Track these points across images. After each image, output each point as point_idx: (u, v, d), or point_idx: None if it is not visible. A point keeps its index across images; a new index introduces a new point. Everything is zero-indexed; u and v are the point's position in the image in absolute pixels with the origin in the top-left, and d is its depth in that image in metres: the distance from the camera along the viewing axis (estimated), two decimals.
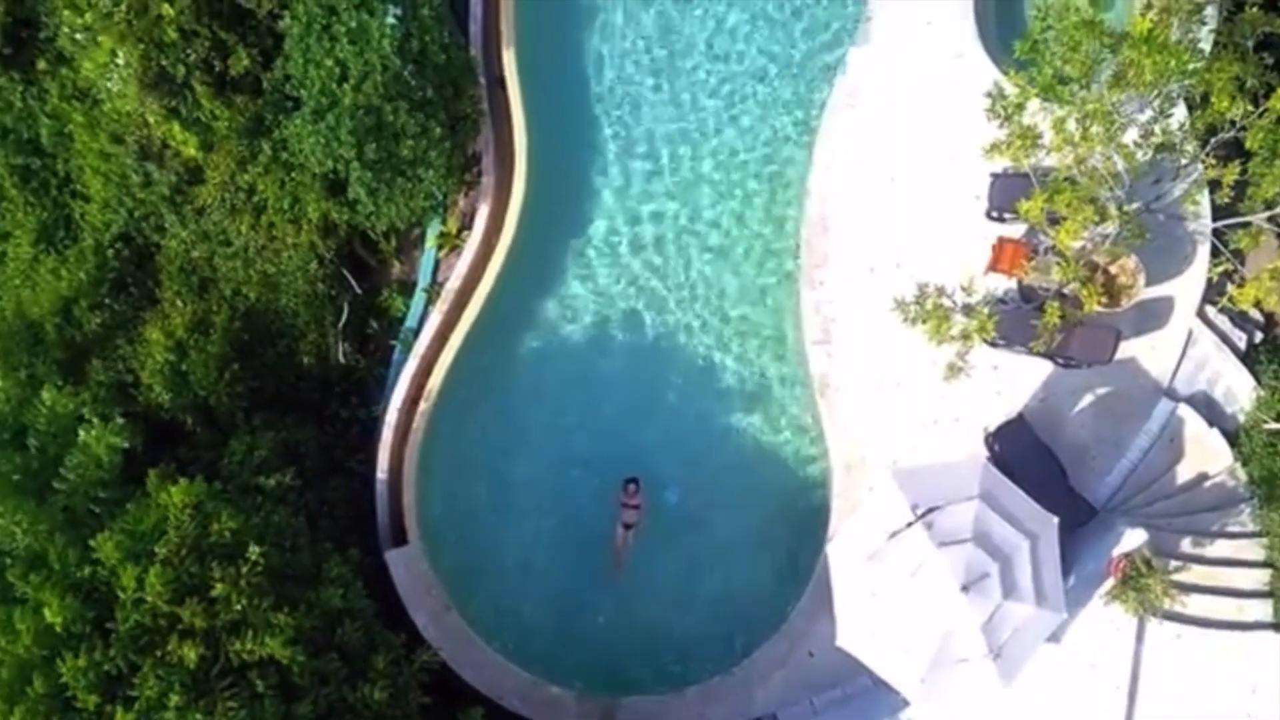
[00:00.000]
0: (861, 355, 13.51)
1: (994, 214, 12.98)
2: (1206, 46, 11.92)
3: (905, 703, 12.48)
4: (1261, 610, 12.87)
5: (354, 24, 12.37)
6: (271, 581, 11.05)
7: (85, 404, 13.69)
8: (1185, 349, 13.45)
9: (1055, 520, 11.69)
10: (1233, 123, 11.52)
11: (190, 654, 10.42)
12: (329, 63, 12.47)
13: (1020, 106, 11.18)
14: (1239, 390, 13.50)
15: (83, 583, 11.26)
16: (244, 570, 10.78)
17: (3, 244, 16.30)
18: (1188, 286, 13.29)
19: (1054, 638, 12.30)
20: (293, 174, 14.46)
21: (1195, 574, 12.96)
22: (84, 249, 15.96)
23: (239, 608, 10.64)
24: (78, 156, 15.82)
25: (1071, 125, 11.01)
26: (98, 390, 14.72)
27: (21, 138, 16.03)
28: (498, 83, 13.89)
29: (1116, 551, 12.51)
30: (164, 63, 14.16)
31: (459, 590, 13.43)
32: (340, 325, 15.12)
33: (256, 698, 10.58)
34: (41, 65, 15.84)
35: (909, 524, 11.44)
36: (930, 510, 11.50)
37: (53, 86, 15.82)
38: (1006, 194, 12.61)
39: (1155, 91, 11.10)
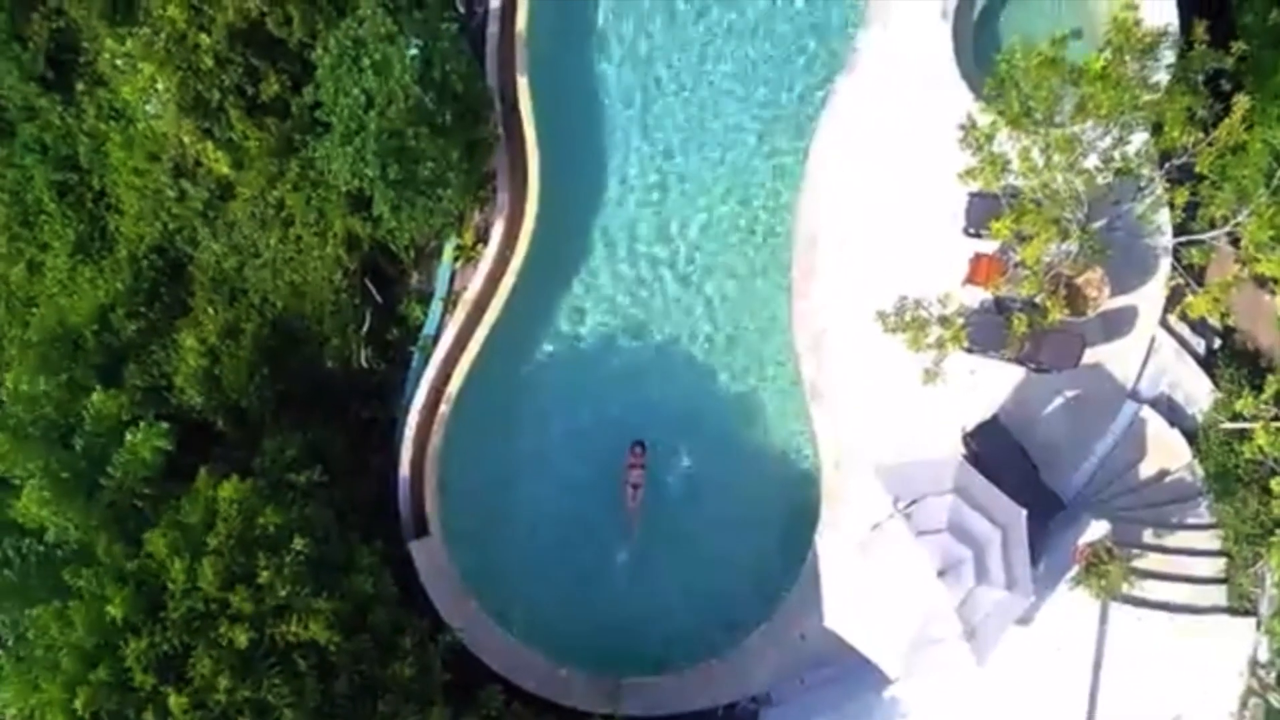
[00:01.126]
0: (849, 362, 14.70)
1: (971, 231, 14.15)
2: (1164, 79, 13.12)
3: (888, 680, 13.70)
4: (1216, 595, 14.13)
5: (379, 56, 13.51)
6: (310, 570, 12.22)
7: (124, 406, 14.91)
8: (1148, 355, 14.66)
9: (1024, 512, 12.91)
10: (1185, 149, 12.74)
11: (240, 637, 11.61)
12: (356, 91, 13.61)
13: (990, 136, 12.37)
14: (1198, 393, 14.71)
15: (131, 574, 12.42)
16: (287, 560, 11.98)
17: (42, 255, 17.47)
18: (1150, 297, 14.49)
19: (1024, 620, 13.56)
20: (319, 191, 15.65)
21: (1156, 562, 14.22)
22: (119, 260, 17.13)
23: (283, 594, 11.84)
24: (112, 172, 16.99)
25: (1036, 154, 12.20)
26: (133, 393, 15.88)
27: (60, 154, 17.23)
28: (511, 108, 15.04)
29: (1081, 541, 13.74)
30: (200, 88, 15.36)
31: (476, 578, 14.64)
32: (362, 332, 16.32)
33: (298, 676, 11.78)
34: (80, 87, 17.05)
35: (890, 516, 12.66)
36: (910, 503, 12.72)
37: (90, 107, 17.01)
38: (982, 213, 13.77)
39: (1113, 121, 12.27)
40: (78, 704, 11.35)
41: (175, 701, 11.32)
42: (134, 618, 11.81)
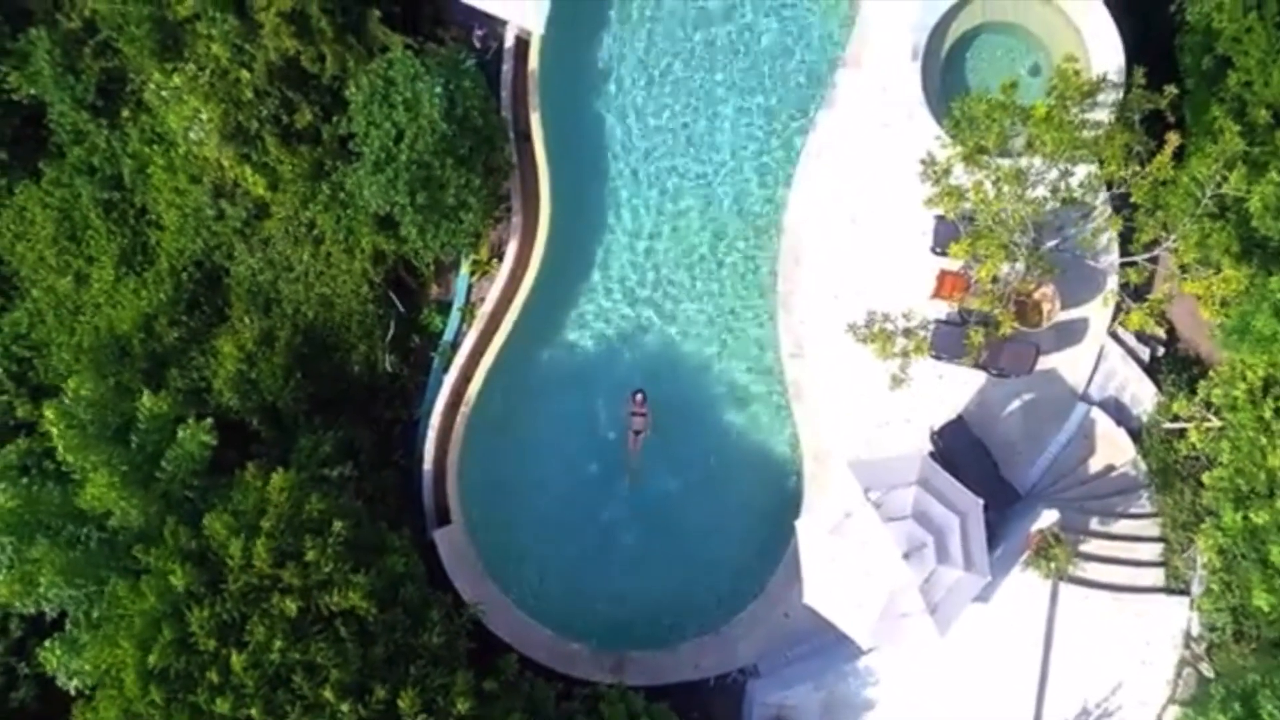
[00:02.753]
0: (828, 366, 16.80)
1: (937, 250, 16.24)
2: (1107, 118, 15.26)
3: (861, 652, 15.82)
4: (1155, 577, 16.25)
5: (409, 94, 15.59)
6: (348, 550, 14.29)
7: (171, 407, 16.95)
8: (1098, 362, 16.78)
9: (981, 502, 15.02)
10: (1123, 180, 14.87)
11: (291, 606, 13.67)
12: (388, 125, 15.70)
13: (947, 170, 14.49)
14: (1142, 396, 16.84)
15: (193, 553, 14.50)
16: (329, 540, 14.03)
17: (88, 267, 19.45)
18: (1098, 310, 16.60)
19: (982, 598, 15.65)
20: (348, 211, 17.70)
21: (1102, 546, 16.35)
22: (160, 272, 19.14)
23: (327, 570, 13.89)
24: (154, 192, 18.99)
25: (988, 186, 14.32)
26: (175, 395, 17.92)
27: (105, 175, 19.19)
28: (524, 138, 17.13)
29: (1034, 528, 15.84)
30: (240, 118, 17.38)
31: (493, 562, 16.73)
32: (387, 339, 18.39)
33: (341, 641, 13.83)
34: (125, 113, 19.07)
35: (862, 504, 14.74)
36: (880, 493, 14.82)
37: (134, 132, 18.99)
38: (946, 235, 15.89)
39: (1058, 157, 14.40)
40: (151, 660, 13.44)
41: (236, 660, 13.40)
42: (196, 589, 13.89)
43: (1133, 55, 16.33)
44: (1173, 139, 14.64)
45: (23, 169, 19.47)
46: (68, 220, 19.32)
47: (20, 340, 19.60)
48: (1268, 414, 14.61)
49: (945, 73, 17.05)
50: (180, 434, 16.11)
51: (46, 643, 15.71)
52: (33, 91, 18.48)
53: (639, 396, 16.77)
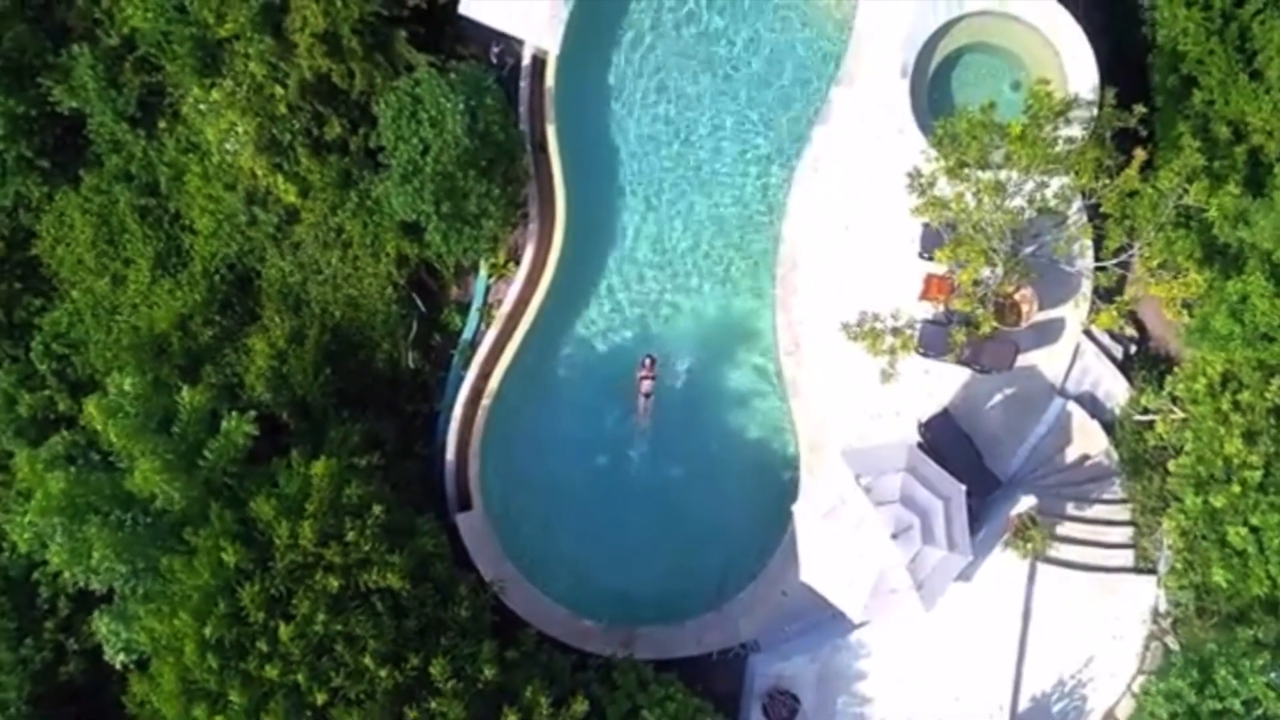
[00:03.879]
0: (823, 363, 18.48)
1: (924, 255, 17.91)
2: (1082, 133, 16.93)
3: (854, 627, 17.54)
4: (1125, 558, 17.96)
5: (435, 111, 17.24)
6: (383, 532, 15.97)
7: (208, 400, 18.59)
8: (1074, 358, 18.46)
9: (963, 488, 16.71)
10: (1094, 192, 16.57)
11: (333, 582, 15.36)
12: (415, 140, 17.35)
13: (932, 183, 16.18)
14: (1116, 391, 18.54)
15: (239, 534, 16.18)
16: (369, 523, 15.71)
17: (125, 269, 21.06)
18: (1075, 310, 18.28)
19: (966, 577, 17.37)
20: (374, 217, 19.34)
21: (1077, 530, 18.06)
22: (194, 274, 20.75)
23: (365, 550, 15.57)
24: (188, 198, 20.58)
25: (969, 198, 16.01)
26: (210, 390, 19.55)
27: (142, 182, 20.82)
28: (540, 149, 18.80)
29: (1013, 512, 17.55)
30: (274, 130, 19.01)
31: (511, 544, 18.45)
32: (409, 338, 20.04)
33: (378, 615, 15.53)
34: (162, 124, 20.69)
35: (854, 489, 16.41)
36: (870, 479, 16.49)
37: (169, 141, 20.59)
38: (932, 241, 17.55)
39: (1033, 170, 16.09)
40: (206, 631, 15.13)
41: (284, 631, 15.10)
42: (245, 566, 15.58)
43: (1107, 72, 18.02)
44: (1139, 154, 16.32)
45: (62, 176, 21.09)
46: (105, 225, 20.91)
47: (59, 339, 21.25)
48: (1225, 406, 16.33)
49: (933, 89, 18.72)
50: (224, 425, 17.78)
51: (97, 611, 17.45)
52: (74, 104, 20.18)
53: (648, 360, 18.37)
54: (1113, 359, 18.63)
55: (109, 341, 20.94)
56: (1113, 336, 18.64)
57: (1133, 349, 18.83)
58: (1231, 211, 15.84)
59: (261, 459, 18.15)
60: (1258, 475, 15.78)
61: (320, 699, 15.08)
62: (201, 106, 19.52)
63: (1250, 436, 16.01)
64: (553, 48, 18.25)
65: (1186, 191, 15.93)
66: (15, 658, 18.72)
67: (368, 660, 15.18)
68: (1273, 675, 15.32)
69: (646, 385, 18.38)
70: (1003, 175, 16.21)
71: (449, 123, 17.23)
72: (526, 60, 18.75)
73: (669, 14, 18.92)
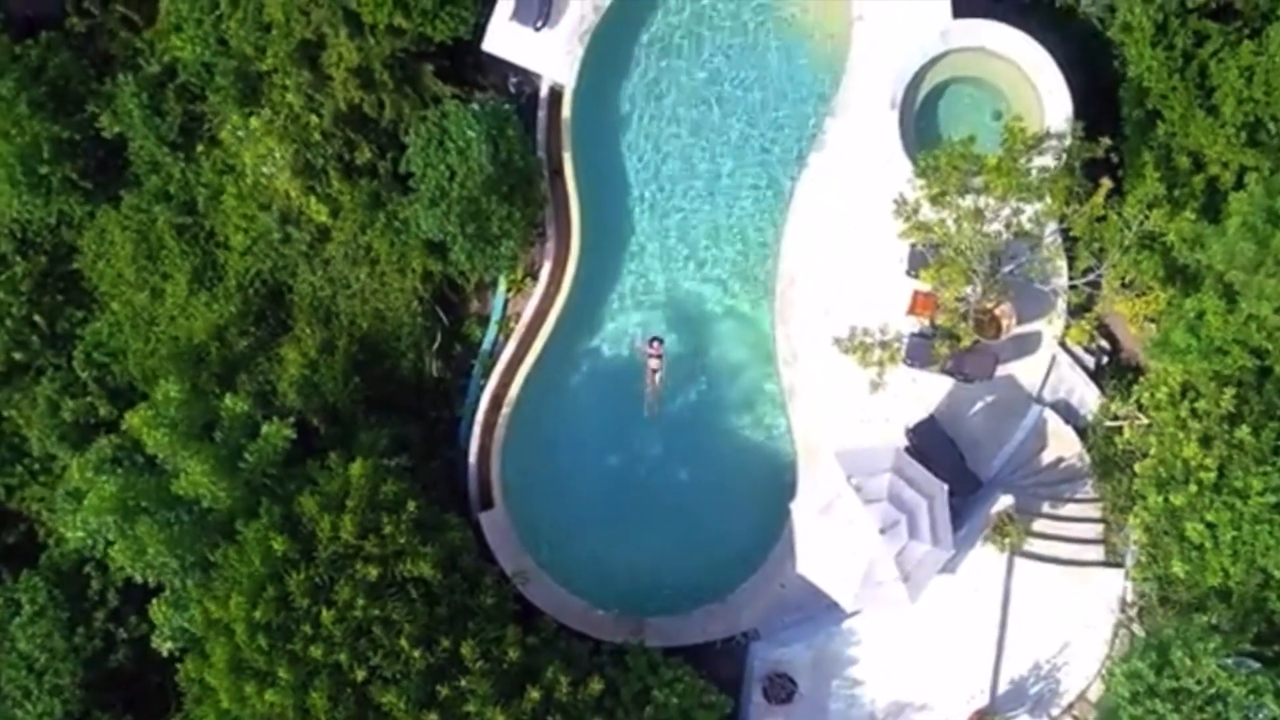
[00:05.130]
0: (819, 372, 20.49)
1: (911, 273, 19.91)
2: (1054, 163, 18.97)
3: (845, 615, 19.56)
4: (1096, 552, 20.00)
5: (461, 141, 19.26)
6: (416, 526, 17.96)
7: (248, 406, 20.55)
8: (1050, 369, 20.47)
9: (946, 487, 18.73)
10: (1065, 217, 18.63)
11: (371, 572, 17.34)
12: (442, 168, 19.37)
13: (916, 209, 18.25)
14: (1088, 398, 20.57)
15: (283, 527, 18.15)
16: (403, 517, 17.70)
17: (163, 283, 23.00)
18: (1052, 324, 20.31)
19: (949, 569, 19.39)
20: (401, 236, 21.29)
21: (1052, 526, 20.10)
22: (229, 288, 22.72)
23: (401, 542, 17.57)
24: (224, 217, 22.53)
25: (950, 223, 18.06)
26: (245, 397, 21.49)
27: (180, 201, 22.77)
28: (556, 174, 20.84)
29: (993, 510, 19.58)
30: (309, 156, 21.01)
31: (530, 540, 20.47)
32: (433, 348, 22.06)
33: (412, 602, 17.51)
34: (199, 148, 22.67)
35: (846, 488, 18.41)
36: (860, 479, 18.48)
37: (206, 164, 22.55)
38: (919, 260, 19.56)
39: (1009, 198, 18.15)
40: (257, 614, 17.12)
41: (326, 616, 17.09)
42: (292, 556, 17.56)
43: (1082, 103, 20.05)
44: (1105, 183, 18.38)
45: (103, 195, 23.11)
46: (145, 241, 22.84)
47: (100, 348, 23.24)
48: (1184, 413, 18.38)
49: (920, 119, 20.75)
50: (264, 430, 19.76)
51: (155, 600, 19.41)
52: (118, 129, 22.17)
53: (655, 343, 20.30)
54: (1086, 369, 20.66)
55: (147, 351, 22.93)
56: (1086, 348, 20.67)
57: (1104, 360, 20.87)
58: (1189, 235, 17.88)
59: (294, 461, 20.15)
60: (1212, 476, 17.79)
61: (360, 676, 17.07)
62: (240, 133, 21.51)
63: (1206, 441, 18.04)
64: (569, 82, 20.29)
65: (1148, 217, 17.97)
66: (68, 646, 20.70)
67: (403, 642, 17.17)
68: (1226, 657, 17.33)
69: (654, 363, 20.29)
70: (981, 202, 18.25)
71: (474, 152, 19.25)
72: (544, 92, 20.79)
73: (676, 52, 20.98)
